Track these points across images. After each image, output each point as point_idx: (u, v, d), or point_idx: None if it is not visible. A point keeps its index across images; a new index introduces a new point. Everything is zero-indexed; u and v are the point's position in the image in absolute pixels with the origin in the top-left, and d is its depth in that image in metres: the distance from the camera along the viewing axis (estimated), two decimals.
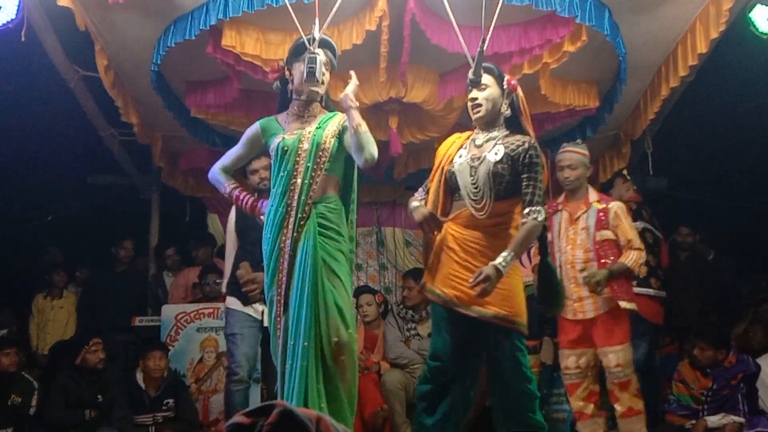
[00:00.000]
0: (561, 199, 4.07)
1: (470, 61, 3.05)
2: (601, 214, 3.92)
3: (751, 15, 3.98)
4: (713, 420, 4.23)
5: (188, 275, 6.10)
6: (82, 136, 5.85)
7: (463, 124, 5.22)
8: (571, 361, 3.96)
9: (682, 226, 5.85)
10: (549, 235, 3.79)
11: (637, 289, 4.53)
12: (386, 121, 5.00)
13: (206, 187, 6.51)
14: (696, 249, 5.88)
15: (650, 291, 4.63)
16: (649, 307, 4.59)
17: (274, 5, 3.75)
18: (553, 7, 3.81)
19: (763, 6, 3.95)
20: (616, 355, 3.82)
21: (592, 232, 3.90)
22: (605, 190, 5.24)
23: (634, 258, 3.86)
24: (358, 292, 5.46)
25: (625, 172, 5.19)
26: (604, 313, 3.87)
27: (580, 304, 3.89)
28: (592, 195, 4.05)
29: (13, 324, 6.12)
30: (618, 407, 3.85)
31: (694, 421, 4.31)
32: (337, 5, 3.52)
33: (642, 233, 4.67)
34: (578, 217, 3.94)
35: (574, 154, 4.04)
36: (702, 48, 4.13)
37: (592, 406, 3.96)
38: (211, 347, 5.05)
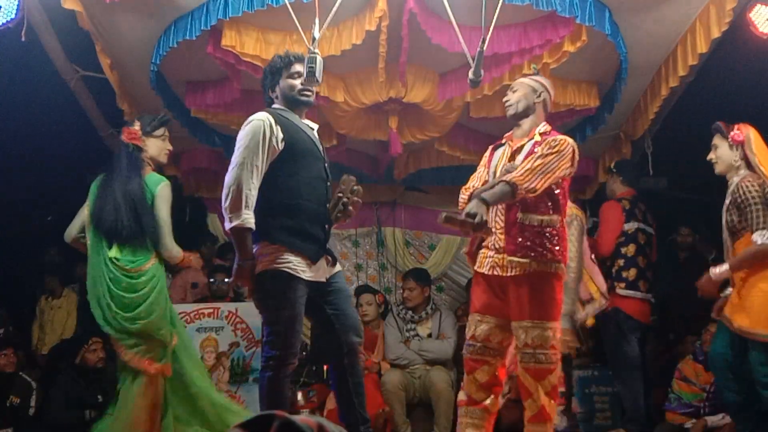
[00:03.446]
0: (509, 132, 3.31)
1: (470, 61, 3.05)
2: (536, 146, 3.09)
3: (750, 15, 3.98)
4: (713, 420, 4.23)
5: (186, 276, 6.10)
6: (82, 136, 5.84)
7: (463, 123, 5.24)
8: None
9: (683, 226, 5.84)
10: (485, 172, 3.21)
11: (624, 291, 4.56)
12: (386, 121, 5.00)
13: (206, 187, 6.54)
14: (696, 249, 5.88)
15: (638, 294, 4.62)
16: (636, 307, 4.60)
17: (274, 5, 3.75)
18: (553, 7, 3.81)
19: (763, 6, 3.95)
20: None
21: None
22: (605, 190, 5.23)
23: None
24: (359, 291, 5.46)
25: (611, 166, 5.05)
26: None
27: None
28: (541, 128, 3.21)
29: (8, 324, 6.12)
30: (528, 404, 3.07)
31: (694, 420, 4.31)
32: (336, 5, 3.52)
33: (634, 234, 4.66)
34: (515, 152, 3.16)
35: (522, 77, 3.38)
36: (702, 48, 4.13)
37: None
38: (211, 347, 5.05)
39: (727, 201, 3.66)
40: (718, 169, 3.75)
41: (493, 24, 3.41)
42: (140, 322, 3.51)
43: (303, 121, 3.24)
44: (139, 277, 3.55)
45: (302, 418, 1.11)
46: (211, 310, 5.14)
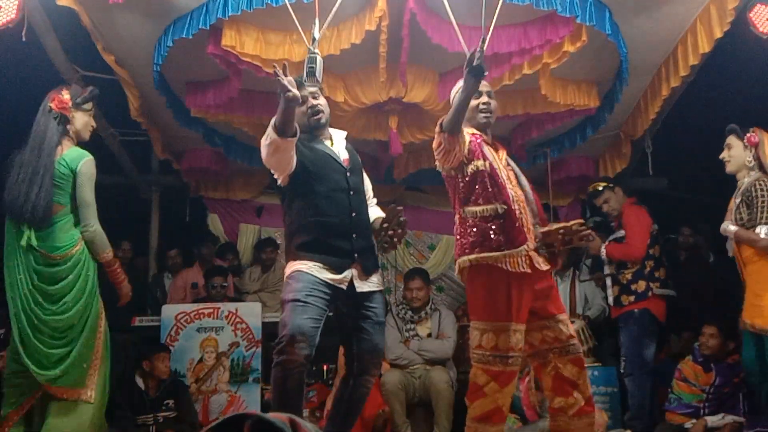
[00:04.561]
0: (473, 130, 3.14)
1: None
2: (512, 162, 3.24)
3: (751, 15, 3.99)
4: (713, 420, 4.23)
5: (186, 276, 6.11)
6: None
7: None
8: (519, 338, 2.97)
9: (685, 226, 5.86)
10: (482, 164, 3.04)
11: (660, 291, 4.61)
12: (386, 121, 5.01)
13: (207, 187, 6.54)
14: (697, 249, 5.88)
15: (671, 292, 4.72)
16: (661, 308, 4.65)
17: (274, 5, 3.75)
18: (553, 7, 3.81)
19: (763, 6, 3.95)
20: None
21: (521, 175, 3.17)
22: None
23: None
24: None
25: (603, 185, 4.96)
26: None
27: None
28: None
29: (9, 324, 6.10)
30: (574, 400, 3.01)
31: (694, 421, 4.31)
32: (337, 5, 3.52)
33: (656, 235, 4.74)
34: (504, 160, 3.15)
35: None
36: (704, 47, 4.13)
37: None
38: (211, 347, 5.05)
39: (737, 200, 3.82)
40: (730, 168, 3.91)
41: (493, 24, 3.41)
42: (64, 315, 3.17)
43: (325, 139, 3.18)
44: (64, 263, 3.20)
45: (274, 414, 1.11)
46: (211, 310, 5.14)
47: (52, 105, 3.35)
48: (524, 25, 4.14)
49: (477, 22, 3.14)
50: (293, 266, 2.99)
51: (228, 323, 5.08)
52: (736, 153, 3.87)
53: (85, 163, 3.28)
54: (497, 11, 3.38)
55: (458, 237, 3.10)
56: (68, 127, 3.38)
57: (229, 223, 6.82)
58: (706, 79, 4.86)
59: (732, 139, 3.90)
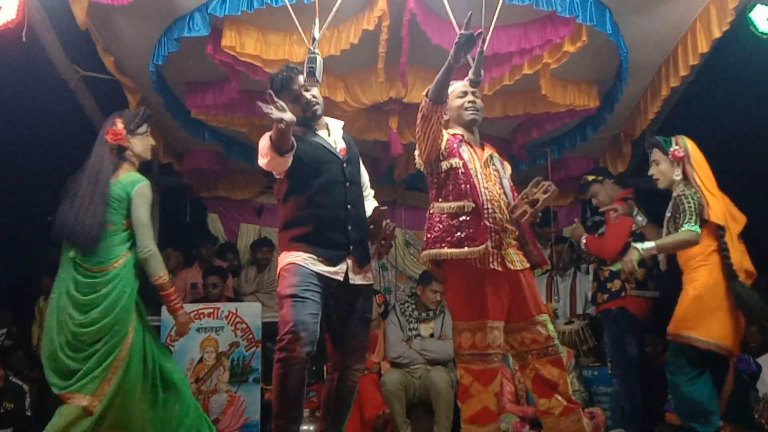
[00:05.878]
0: (458, 130, 3.21)
1: (470, 61, 3.05)
2: (503, 163, 3.30)
3: (751, 15, 3.99)
4: None
5: (186, 276, 6.11)
6: (82, 137, 5.84)
7: None
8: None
9: None
10: (456, 162, 3.08)
11: (635, 292, 4.55)
12: (386, 121, 5.01)
13: (207, 187, 6.54)
14: None
15: (647, 293, 4.63)
16: (642, 306, 4.60)
17: (274, 5, 3.75)
18: (553, 7, 3.82)
19: (763, 6, 3.95)
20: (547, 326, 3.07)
21: (507, 177, 3.23)
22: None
23: None
24: None
25: (592, 177, 4.80)
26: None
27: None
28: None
29: (12, 325, 6.11)
30: (556, 401, 3.02)
31: None
32: (337, 5, 3.53)
33: (641, 234, 4.67)
34: (485, 159, 3.17)
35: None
36: (703, 47, 4.13)
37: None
38: (211, 347, 5.05)
39: (668, 214, 3.72)
40: (661, 185, 3.78)
41: (493, 24, 3.42)
42: (90, 328, 3.21)
43: (320, 129, 3.17)
44: (102, 276, 3.29)
45: None
46: (211, 310, 5.14)
47: (108, 138, 3.45)
48: (524, 25, 4.15)
49: (477, 22, 3.14)
50: (287, 258, 2.97)
51: (228, 323, 5.08)
52: (664, 169, 3.72)
53: (141, 186, 3.39)
54: (497, 11, 3.38)
55: (425, 232, 3.14)
56: (126, 154, 3.48)
57: (229, 223, 6.82)
58: (706, 79, 4.86)
59: (657, 154, 3.74)
